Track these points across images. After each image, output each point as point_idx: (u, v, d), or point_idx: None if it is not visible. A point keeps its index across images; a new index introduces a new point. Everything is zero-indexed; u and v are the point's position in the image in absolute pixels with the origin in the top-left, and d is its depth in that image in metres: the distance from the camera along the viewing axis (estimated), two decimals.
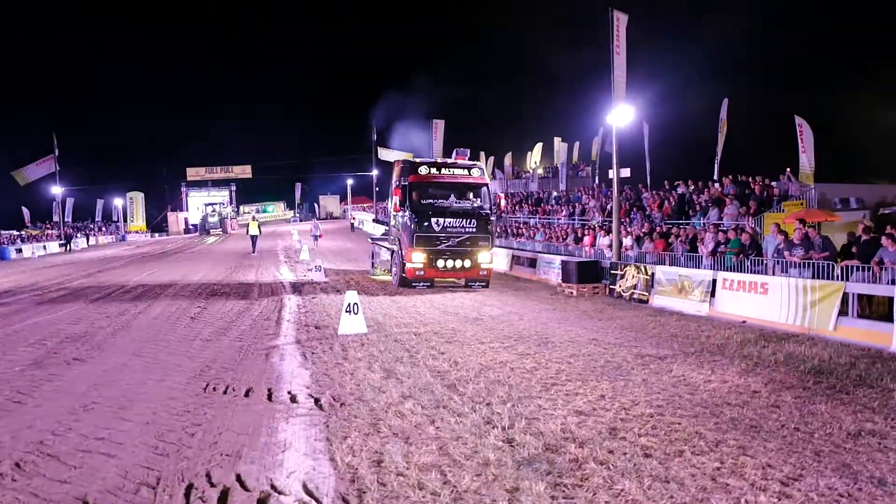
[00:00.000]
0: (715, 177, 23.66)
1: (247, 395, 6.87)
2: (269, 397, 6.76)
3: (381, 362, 8.34)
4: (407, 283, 17.15)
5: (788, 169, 20.55)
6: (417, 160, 17.91)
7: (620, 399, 6.64)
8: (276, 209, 79.33)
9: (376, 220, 55.72)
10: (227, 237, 51.37)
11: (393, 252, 18.49)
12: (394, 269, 18.29)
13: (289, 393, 6.90)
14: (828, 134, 26.39)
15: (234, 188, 72.43)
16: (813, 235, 12.62)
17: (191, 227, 65.88)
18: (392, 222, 19.15)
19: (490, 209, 17.48)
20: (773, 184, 20.35)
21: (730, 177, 21.91)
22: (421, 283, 17.13)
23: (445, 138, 40.68)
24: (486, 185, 17.85)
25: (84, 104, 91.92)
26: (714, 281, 13.45)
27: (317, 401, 6.58)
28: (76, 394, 6.97)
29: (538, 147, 47.70)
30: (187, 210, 70.81)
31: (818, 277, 11.60)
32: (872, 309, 11.25)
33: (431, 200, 17.04)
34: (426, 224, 16.67)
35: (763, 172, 21.39)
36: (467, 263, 17.09)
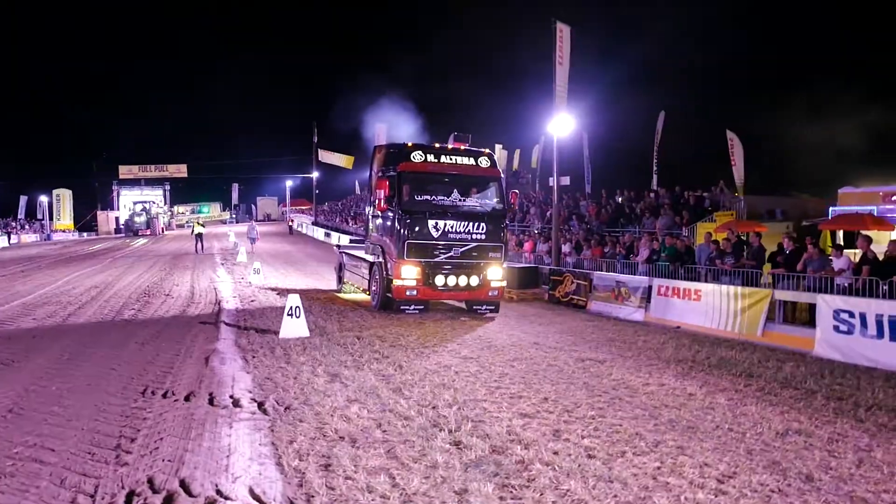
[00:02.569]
0: (652, 186, 24.46)
1: (187, 399, 6.69)
2: (211, 401, 6.59)
3: (325, 366, 8.26)
4: (392, 305, 13.38)
5: (722, 181, 21.42)
6: (409, 143, 13.75)
7: (563, 402, 6.79)
8: (212, 210, 77.32)
9: (316, 224, 55.14)
10: (159, 238, 49.25)
11: (373, 265, 14.36)
12: (374, 287, 14.29)
13: (231, 397, 6.75)
14: (756, 148, 27.66)
15: (168, 187, 70.02)
16: (754, 242, 13.20)
17: (121, 226, 63.16)
18: (371, 225, 15.02)
19: (504, 210, 13.78)
20: (705, 194, 21.18)
21: (672, 187, 22.71)
22: (412, 307, 13.30)
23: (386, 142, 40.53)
24: (499, 178, 13.94)
25: (7, 95, 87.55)
26: (650, 287, 13.90)
27: (260, 405, 6.47)
28: (2, 399, 6.63)
29: None
30: (118, 209, 68.07)
31: (747, 285, 12.14)
32: (796, 315, 11.87)
33: (428, 197, 13.07)
34: (421, 228, 12.78)
35: (697, 183, 22.25)
36: (474, 281, 13.11)
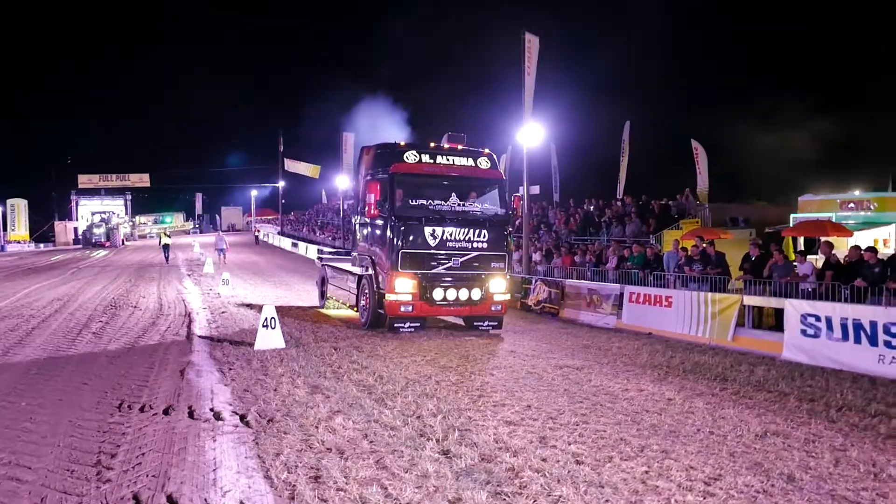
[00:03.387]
0: (619, 195, 24.84)
1: (166, 413, 6.56)
2: (191, 415, 6.47)
3: (304, 377, 8.17)
4: (384, 322, 12.32)
5: (688, 189, 21.88)
6: (402, 143, 12.77)
7: (546, 409, 6.84)
8: (175, 220, 75.91)
9: (283, 234, 54.58)
10: (121, 250, 47.74)
11: (361, 278, 13.15)
12: (362, 302, 13.06)
13: (211, 410, 6.64)
14: (719, 157, 28.40)
15: (129, 197, 68.48)
16: (710, 251, 13.49)
17: (80, 237, 61.38)
18: (359, 234, 13.78)
19: (508, 216, 12.76)
20: (671, 202, 21.62)
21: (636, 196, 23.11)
22: (407, 324, 12.12)
23: (356, 152, 40.43)
24: (501, 180, 12.95)
25: None
26: (622, 294, 14.09)
27: (242, 417, 6.37)
28: None
29: None
30: (77, 219, 66.28)
31: (716, 291, 12.40)
32: (763, 320, 12.17)
33: (423, 201, 12.01)
34: (417, 236, 11.69)
35: (663, 192, 22.70)
36: (476, 294, 12.09)
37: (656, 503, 4.37)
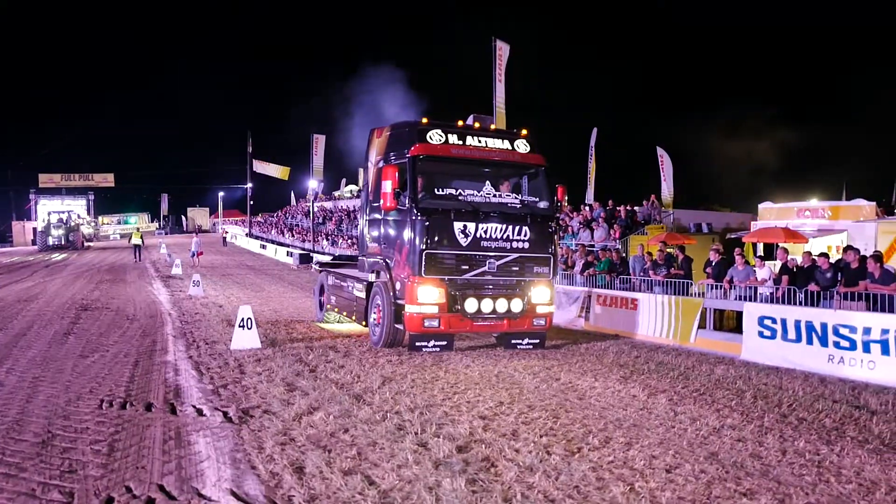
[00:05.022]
0: (587, 201, 25.41)
1: (148, 409, 6.71)
2: (173, 411, 6.64)
3: (282, 376, 8.36)
4: (401, 340, 10.60)
5: (653, 196, 22.52)
6: (423, 120, 10.43)
7: (518, 405, 7.15)
8: (140, 221, 74.76)
9: (251, 235, 54.21)
10: (84, 251, 46.23)
11: (372, 286, 11.09)
12: (373, 316, 10.98)
13: (193, 406, 6.81)
14: (684, 164, 29.25)
15: (92, 197, 66.95)
16: (679, 256, 14.02)
17: (36, 238, 59.37)
18: (368, 234, 11.69)
19: (552, 209, 10.79)
20: (637, 209, 22.22)
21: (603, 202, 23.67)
22: (431, 343, 10.18)
23: (327, 154, 40.53)
24: (543, 166, 10.93)
25: None
26: (589, 297, 14.53)
27: (224, 413, 6.56)
28: None
29: None
30: (37, 219, 64.59)
31: (679, 295, 12.90)
32: (724, 323, 12.72)
33: (453, 191, 10.18)
34: (445, 234, 9.81)
35: (629, 198, 23.30)
36: (516, 306, 10.24)
37: (622, 488, 4.71)
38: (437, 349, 10.25)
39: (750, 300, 11.69)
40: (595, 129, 26.90)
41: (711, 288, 12.73)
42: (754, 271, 12.71)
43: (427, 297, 9.75)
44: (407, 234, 10.03)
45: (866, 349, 9.21)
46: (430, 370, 9.01)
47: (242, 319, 10.51)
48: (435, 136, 10.19)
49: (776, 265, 13.95)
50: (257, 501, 4.41)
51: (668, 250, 14.67)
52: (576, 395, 7.69)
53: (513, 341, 10.90)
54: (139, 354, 9.85)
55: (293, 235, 48.12)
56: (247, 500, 4.42)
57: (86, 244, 52.37)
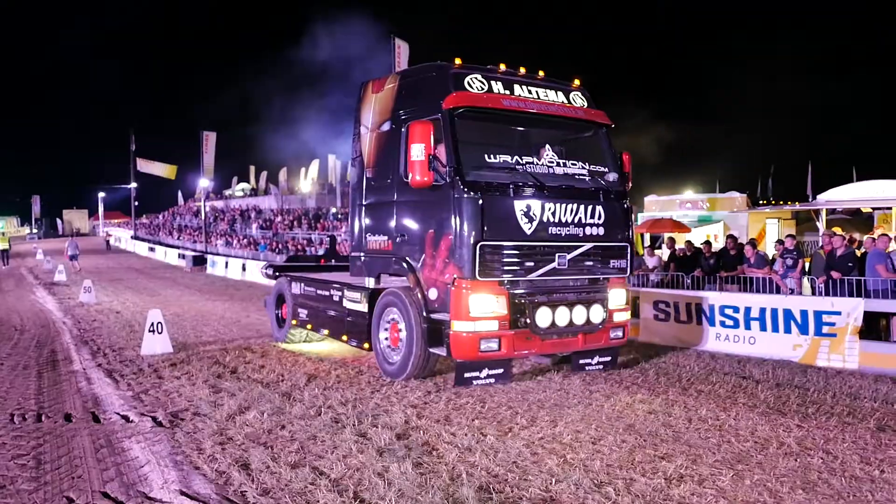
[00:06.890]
0: None
1: (68, 420, 6.47)
2: (97, 420, 6.45)
3: (203, 379, 8.22)
4: (434, 367, 8.10)
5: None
6: (457, 62, 7.82)
7: (445, 393, 7.46)
8: (8, 225, 69.02)
9: (136, 238, 51.46)
10: None
11: (379, 296, 8.46)
12: (385, 338, 8.34)
13: (117, 413, 6.63)
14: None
15: None
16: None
17: None
18: (370, 221, 8.83)
19: (623, 182, 8.45)
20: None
21: None
22: (485, 374, 7.60)
23: (218, 151, 39.20)
24: (608, 125, 8.61)
25: None
26: None
27: (153, 418, 6.44)
28: None
29: (315, 163, 48.00)
30: None
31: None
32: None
33: (508, 158, 7.63)
34: (504, 219, 7.33)
35: None
36: (596, 314, 7.89)
37: (556, 460, 5.13)
38: (493, 381, 7.65)
39: (643, 286, 12.62)
40: None
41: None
42: (644, 260, 13.72)
43: (484, 307, 7.21)
44: (448, 219, 7.33)
45: (748, 326, 10.24)
46: (352, 366, 9.14)
47: (152, 324, 10.18)
48: (476, 83, 7.65)
49: (664, 253, 15.10)
50: (210, 499, 4.46)
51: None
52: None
53: (581, 361, 8.45)
54: (40, 366, 9.35)
55: (183, 237, 46.17)
56: (199, 498, 4.46)
57: None
